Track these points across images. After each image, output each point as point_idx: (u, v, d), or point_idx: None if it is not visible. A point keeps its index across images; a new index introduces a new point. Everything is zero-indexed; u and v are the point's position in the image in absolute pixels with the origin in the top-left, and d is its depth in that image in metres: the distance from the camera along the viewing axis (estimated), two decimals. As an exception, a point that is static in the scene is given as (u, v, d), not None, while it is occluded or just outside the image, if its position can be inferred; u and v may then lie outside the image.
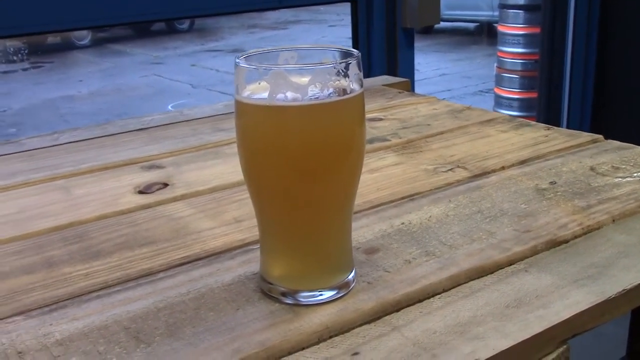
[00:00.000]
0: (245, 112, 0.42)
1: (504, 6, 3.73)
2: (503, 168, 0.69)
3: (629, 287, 0.46)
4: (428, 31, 8.74)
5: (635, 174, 0.66)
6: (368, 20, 1.84)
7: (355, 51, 0.43)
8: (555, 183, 0.64)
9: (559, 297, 0.45)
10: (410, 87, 1.13)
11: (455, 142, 0.79)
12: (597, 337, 0.62)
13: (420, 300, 0.45)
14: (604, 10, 2.40)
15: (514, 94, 3.78)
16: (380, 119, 0.90)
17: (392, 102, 0.99)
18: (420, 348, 0.40)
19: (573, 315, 0.43)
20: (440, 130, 0.84)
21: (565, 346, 0.43)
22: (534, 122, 0.85)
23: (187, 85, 6.04)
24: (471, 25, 8.59)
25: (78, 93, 5.75)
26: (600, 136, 0.78)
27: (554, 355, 0.42)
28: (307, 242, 0.44)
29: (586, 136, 0.79)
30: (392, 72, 1.84)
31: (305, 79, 0.40)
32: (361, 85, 0.43)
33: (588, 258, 0.50)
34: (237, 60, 0.42)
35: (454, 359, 0.39)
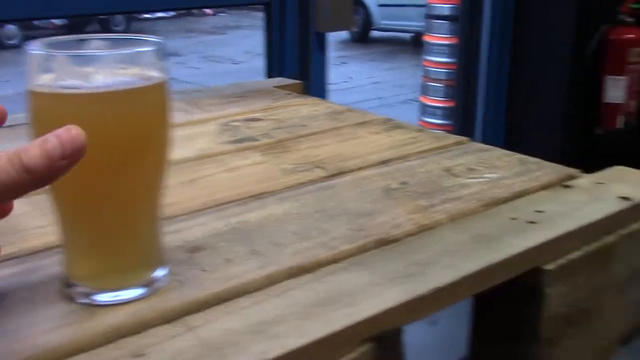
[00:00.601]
0: (33, 101, 0.40)
1: (429, 16, 3.80)
2: (361, 168, 0.69)
3: (441, 285, 0.46)
4: (364, 40, 8.85)
5: (486, 175, 0.66)
6: (281, 23, 1.83)
7: (156, 39, 0.41)
8: (407, 183, 0.64)
9: (370, 295, 0.44)
10: (302, 90, 1.12)
11: (325, 142, 0.78)
12: (438, 336, 0.62)
13: (228, 300, 0.44)
14: (518, 21, 2.47)
15: (438, 102, 3.85)
16: (259, 119, 0.89)
17: (277, 103, 0.98)
18: (211, 348, 0.38)
19: (378, 313, 0.42)
20: (314, 131, 0.83)
21: (370, 344, 0.42)
22: (408, 124, 0.86)
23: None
24: (407, 35, 8.74)
25: (5, 93, 5.54)
26: (466, 138, 0.79)
27: (356, 353, 0.42)
28: (103, 240, 0.42)
29: (452, 138, 0.79)
30: (304, 75, 1.84)
31: (93, 67, 0.38)
32: (162, 75, 0.41)
33: (413, 256, 0.50)
34: (27, 48, 0.40)
35: (242, 358, 0.38)
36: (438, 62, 3.79)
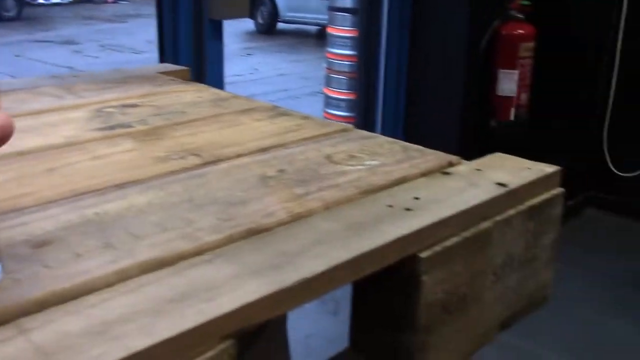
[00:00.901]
0: None
1: (332, 9, 3.81)
2: (239, 156, 0.66)
3: (309, 275, 0.43)
4: (270, 32, 8.79)
5: (366, 162, 0.65)
6: (174, 10, 1.77)
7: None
8: (284, 171, 0.62)
9: (231, 289, 0.41)
10: (189, 76, 1.07)
11: (203, 129, 0.74)
12: (342, 327, 0.60)
13: (72, 299, 0.39)
14: (415, 15, 2.51)
15: (342, 94, 3.87)
16: (136, 106, 0.83)
17: (158, 89, 0.93)
18: (43, 354, 0.34)
19: (238, 308, 0.39)
20: (194, 118, 0.79)
21: (228, 342, 0.39)
22: (293, 112, 0.83)
23: (7, 77, 5.57)
24: (313, 28, 8.76)
25: None
26: (350, 126, 0.78)
27: (214, 352, 0.38)
28: None
29: (337, 126, 0.77)
30: (198, 63, 1.78)
31: None
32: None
33: (282, 247, 0.47)
34: None
35: (77, 364, 0.34)
36: (341, 54, 3.81)
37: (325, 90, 3.91)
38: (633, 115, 2.88)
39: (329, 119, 3.47)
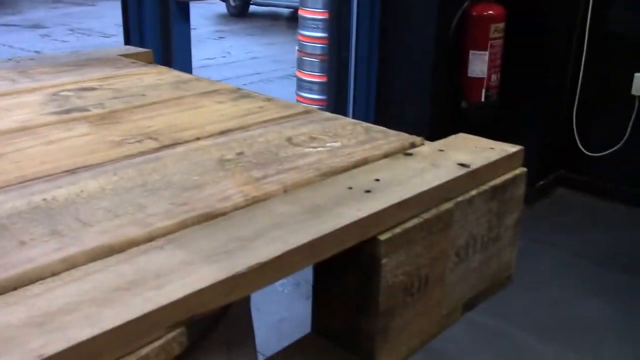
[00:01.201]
0: None
1: (303, -10, 3.76)
2: (198, 139, 0.64)
3: (263, 260, 0.42)
4: (243, 14, 8.69)
5: (328, 144, 0.64)
6: (139, -9, 1.73)
7: None
8: (243, 154, 0.60)
9: (182, 276, 0.40)
10: (152, 59, 1.05)
11: (162, 112, 0.72)
12: (294, 313, 0.59)
13: (14, 289, 0.38)
14: (385, -4, 2.49)
15: (314, 77, 3.84)
16: (94, 89, 0.81)
17: (118, 72, 0.91)
18: (-21, 347, 0.33)
19: (186, 295, 0.38)
20: (153, 101, 0.77)
21: (178, 330, 0.38)
22: (256, 93, 0.82)
23: (-28, 62, 5.43)
24: (285, 10, 8.68)
25: None
26: (314, 107, 0.76)
27: (162, 341, 0.37)
28: None
29: (300, 107, 0.76)
30: (165, 46, 1.75)
31: None
32: None
33: (237, 231, 0.46)
34: None
35: (15, 357, 0.32)
36: (313, 36, 3.77)
37: (298, 73, 3.88)
38: (601, 96, 2.91)
39: (301, 102, 3.45)
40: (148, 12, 1.73)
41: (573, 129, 2.95)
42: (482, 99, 2.62)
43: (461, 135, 0.70)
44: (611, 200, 2.95)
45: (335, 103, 2.55)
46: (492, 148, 0.66)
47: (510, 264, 0.70)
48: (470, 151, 0.65)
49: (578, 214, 2.92)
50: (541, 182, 2.92)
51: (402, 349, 0.57)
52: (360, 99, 2.54)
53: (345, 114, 2.56)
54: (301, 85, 3.87)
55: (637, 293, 2.32)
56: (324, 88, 3.70)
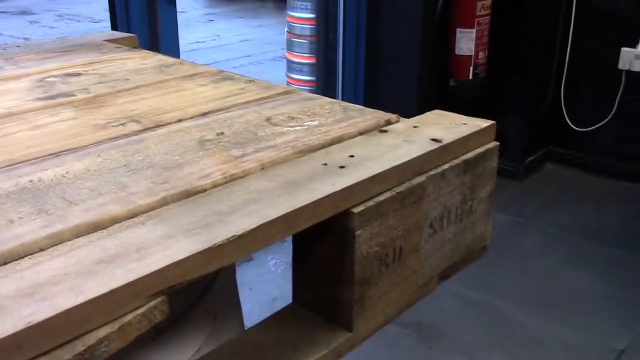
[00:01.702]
0: None
1: (291, -29, 3.75)
2: (179, 121, 0.66)
3: (239, 233, 0.45)
4: (232, -4, 8.64)
5: (306, 123, 0.66)
6: (124, -25, 1.73)
7: None
8: (223, 134, 0.63)
9: (162, 249, 0.42)
10: (136, 43, 1.06)
11: (145, 96, 0.75)
12: (286, 292, 0.62)
13: (5, 263, 0.40)
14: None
15: (304, 58, 3.84)
16: (79, 74, 0.83)
17: (103, 57, 0.93)
18: (-28, 316, 0.35)
19: (167, 266, 0.41)
20: (137, 85, 0.79)
21: (159, 299, 0.41)
22: (238, 75, 0.84)
23: (-40, 50, 5.40)
24: (275, -9, 8.63)
25: None
26: (294, 88, 0.78)
27: (144, 309, 0.40)
28: None
29: (280, 88, 0.78)
30: (152, 30, 1.76)
31: None
32: None
33: (215, 207, 0.48)
34: None
35: (6, 324, 0.35)
36: (301, 17, 3.77)
37: (287, 55, 3.88)
38: (589, 71, 2.93)
39: (292, 84, 3.45)
40: (133, -4, 1.74)
41: (561, 104, 2.97)
42: (470, 77, 2.64)
43: (436, 111, 0.72)
44: (599, 174, 2.99)
45: (325, 84, 2.57)
46: (464, 123, 0.68)
47: (484, 235, 0.73)
48: (443, 127, 0.67)
49: (567, 189, 2.96)
50: (530, 158, 2.95)
51: (379, 317, 0.60)
52: (349, 79, 2.56)
53: (334, 95, 2.57)
54: (291, 66, 3.87)
55: (624, 266, 2.36)
56: (313, 69, 3.71)
